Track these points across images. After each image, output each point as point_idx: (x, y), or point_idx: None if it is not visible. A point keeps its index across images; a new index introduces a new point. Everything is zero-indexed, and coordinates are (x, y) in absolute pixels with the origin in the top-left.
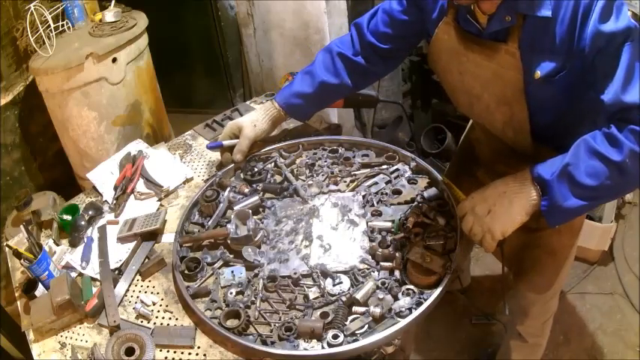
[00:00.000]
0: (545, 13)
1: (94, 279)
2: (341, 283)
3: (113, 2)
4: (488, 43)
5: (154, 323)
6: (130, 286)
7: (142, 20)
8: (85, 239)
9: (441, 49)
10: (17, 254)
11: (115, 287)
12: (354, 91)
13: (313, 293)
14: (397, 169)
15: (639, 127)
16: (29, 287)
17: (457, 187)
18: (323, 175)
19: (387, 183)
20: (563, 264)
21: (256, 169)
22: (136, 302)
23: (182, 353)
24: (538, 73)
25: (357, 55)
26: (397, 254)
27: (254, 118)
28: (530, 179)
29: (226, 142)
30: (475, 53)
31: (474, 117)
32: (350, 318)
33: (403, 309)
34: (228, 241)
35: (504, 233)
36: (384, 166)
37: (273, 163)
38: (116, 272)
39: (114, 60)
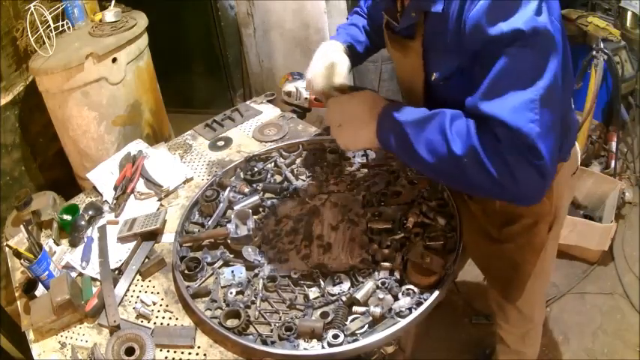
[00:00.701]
0: (436, 9)
1: (94, 279)
2: (341, 283)
3: (113, 2)
4: (401, 40)
5: (154, 323)
6: (130, 286)
7: (142, 20)
8: (85, 239)
9: (387, 43)
10: (17, 254)
11: (115, 287)
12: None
13: (313, 293)
14: (397, 170)
15: (494, 138)
16: (29, 287)
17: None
18: (323, 175)
19: (387, 183)
20: (527, 279)
21: (256, 169)
22: (136, 302)
23: (182, 353)
24: (434, 75)
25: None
26: (397, 254)
27: (335, 53)
28: (377, 116)
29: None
30: (395, 49)
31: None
32: (350, 318)
33: (403, 309)
34: (228, 241)
35: (347, 149)
36: (384, 167)
37: (273, 163)
38: (116, 272)
39: (114, 60)
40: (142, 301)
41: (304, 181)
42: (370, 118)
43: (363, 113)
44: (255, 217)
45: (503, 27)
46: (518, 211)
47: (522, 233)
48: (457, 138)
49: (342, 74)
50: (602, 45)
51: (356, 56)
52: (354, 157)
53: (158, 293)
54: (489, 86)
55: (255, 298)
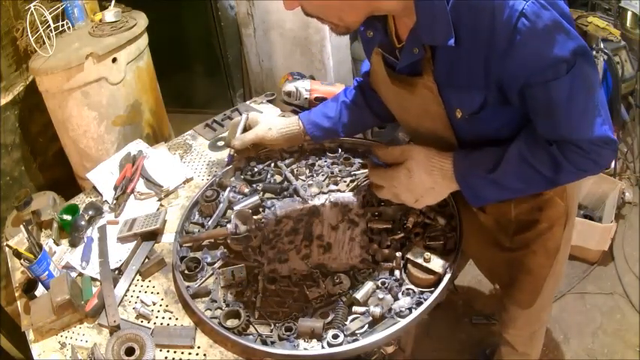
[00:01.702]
0: (449, 43)
1: (94, 279)
2: (341, 283)
3: (113, 2)
4: (406, 78)
5: (154, 323)
6: (130, 286)
7: (142, 20)
8: (85, 239)
9: (376, 81)
10: (17, 254)
11: (115, 287)
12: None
13: (313, 293)
14: None
15: (581, 153)
16: (29, 287)
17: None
18: (323, 175)
19: None
20: (542, 283)
21: (256, 169)
22: (135, 302)
23: (182, 353)
24: (459, 112)
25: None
26: (397, 254)
27: (273, 123)
28: (454, 177)
29: (240, 120)
30: (399, 87)
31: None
32: (350, 318)
33: (403, 309)
34: (228, 241)
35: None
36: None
37: (273, 163)
38: (116, 272)
39: (114, 60)
40: (142, 301)
41: (304, 181)
42: (448, 185)
43: (437, 183)
44: (255, 217)
45: (559, 52)
46: (533, 217)
47: (537, 239)
48: (545, 166)
49: (242, 141)
50: (602, 45)
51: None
52: (354, 157)
53: (158, 293)
54: (565, 115)
55: (255, 298)
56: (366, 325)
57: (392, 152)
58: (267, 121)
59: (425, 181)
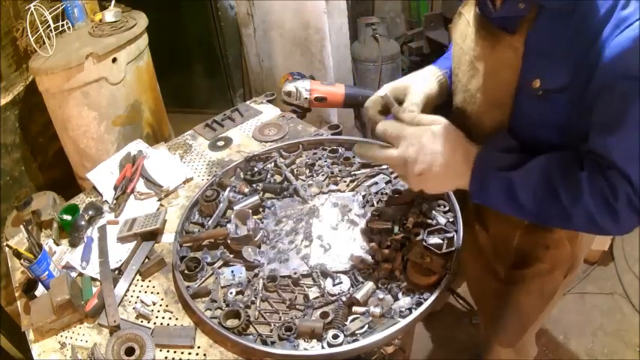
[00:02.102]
0: (559, 4)
1: (94, 279)
2: (341, 283)
3: (113, 2)
4: (494, 30)
5: (154, 323)
6: (130, 286)
7: (142, 20)
8: (85, 239)
9: (456, 31)
10: (17, 254)
11: (115, 287)
12: None
13: (313, 293)
14: None
15: (611, 194)
16: (29, 287)
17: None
18: (323, 175)
19: (387, 183)
20: (529, 325)
21: (256, 169)
22: (136, 302)
23: (182, 353)
24: (537, 82)
25: None
26: (397, 254)
27: (420, 75)
28: (472, 165)
29: (385, 91)
30: (481, 39)
31: (465, 123)
32: (350, 318)
33: (403, 309)
34: (228, 241)
35: (424, 191)
36: (384, 166)
37: (273, 163)
38: (116, 272)
39: (114, 60)
40: (142, 301)
41: (304, 181)
42: (464, 167)
43: (454, 161)
44: (255, 217)
45: None
46: (536, 253)
47: (534, 279)
48: (567, 191)
49: (416, 103)
50: None
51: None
52: (354, 157)
53: (158, 293)
54: (624, 136)
55: (255, 298)
56: (366, 325)
57: (420, 118)
58: (412, 78)
59: (445, 152)
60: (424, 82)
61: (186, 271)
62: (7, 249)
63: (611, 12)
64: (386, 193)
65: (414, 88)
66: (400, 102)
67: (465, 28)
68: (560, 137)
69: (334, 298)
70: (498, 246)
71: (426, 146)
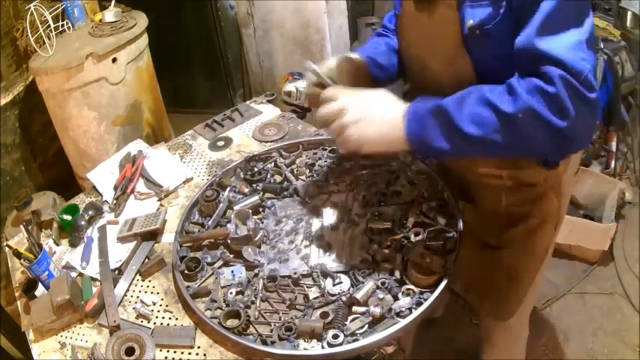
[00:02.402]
0: None
1: (94, 279)
2: (341, 283)
3: (113, 2)
4: (430, 2)
5: (154, 323)
6: (130, 286)
7: (142, 20)
8: (85, 239)
9: (402, 22)
10: (17, 254)
11: (115, 287)
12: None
13: (313, 293)
14: (397, 170)
15: (546, 84)
16: (29, 287)
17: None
18: (323, 175)
19: (387, 183)
20: (526, 290)
21: (256, 169)
22: (135, 302)
23: (182, 353)
24: (470, 22)
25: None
26: (397, 254)
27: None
28: (405, 110)
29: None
30: (421, 13)
31: (425, 92)
32: (350, 318)
33: (403, 309)
34: (228, 241)
35: (358, 149)
36: (384, 166)
37: (273, 163)
38: (116, 272)
39: (114, 60)
40: (142, 301)
41: (304, 181)
42: (398, 115)
43: (389, 109)
44: (255, 217)
45: None
46: (525, 210)
47: (527, 236)
48: (504, 99)
49: (328, 65)
50: (602, 45)
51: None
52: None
53: (158, 293)
54: (543, 24)
55: (255, 298)
56: (366, 325)
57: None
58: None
59: (380, 101)
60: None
61: (186, 271)
62: (7, 249)
63: None
64: (386, 193)
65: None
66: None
67: (409, 10)
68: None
69: (334, 298)
70: (487, 215)
71: (363, 96)
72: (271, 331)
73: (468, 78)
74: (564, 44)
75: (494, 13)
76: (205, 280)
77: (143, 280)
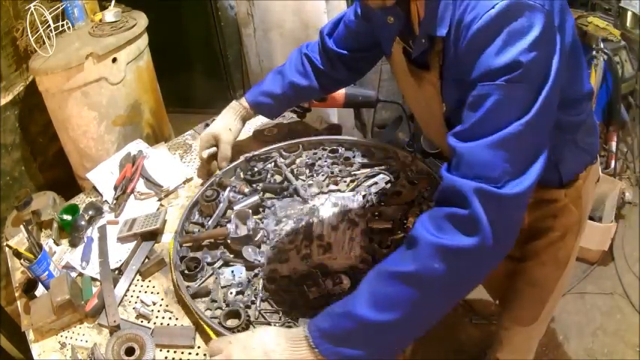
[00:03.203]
0: (440, 32)
1: (94, 279)
2: (341, 283)
3: (113, 2)
4: (416, 71)
5: (154, 323)
6: (130, 286)
7: (142, 20)
8: (85, 239)
9: (396, 71)
10: (17, 254)
11: (115, 287)
12: (323, 94)
13: (313, 293)
14: (397, 169)
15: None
16: (29, 287)
17: None
18: (323, 175)
19: (387, 183)
20: (547, 297)
21: (256, 169)
22: (136, 302)
23: (182, 353)
24: (444, 106)
25: (320, 59)
26: None
27: (226, 122)
28: (307, 343)
29: (205, 153)
30: (411, 77)
31: (435, 141)
32: None
33: None
34: (228, 241)
35: None
36: (384, 166)
37: (273, 163)
38: (116, 272)
39: (114, 60)
40: (142, 301)
41: (304, 181)
42: (295, 344)
43: (281, 344)
44: (255, 217)
45: (500, 57)
46: (546, 224)
47: (548, 248)
48: (403, 259)
49: (226, 157)
50: (602, 45)
51: (268, 109)
52: (354, 157)
53: (158, 293)
54: (469, 139)
55: (255, 298)
56: None
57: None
58: (220, 127)
59: (265, 342)
60: (229, 132)
61: (186, 271)
62: (7, 249)
63: (462, 15)
64: (386, 193)
65: (222, 141)
66: (213, 145)
67: (402, 67)
68: None
69: (334, 298)
70: None
71: (247, 349)
72: None
73: None
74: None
75: (457, 97)
76: (205, 280)
77: (143, 280)
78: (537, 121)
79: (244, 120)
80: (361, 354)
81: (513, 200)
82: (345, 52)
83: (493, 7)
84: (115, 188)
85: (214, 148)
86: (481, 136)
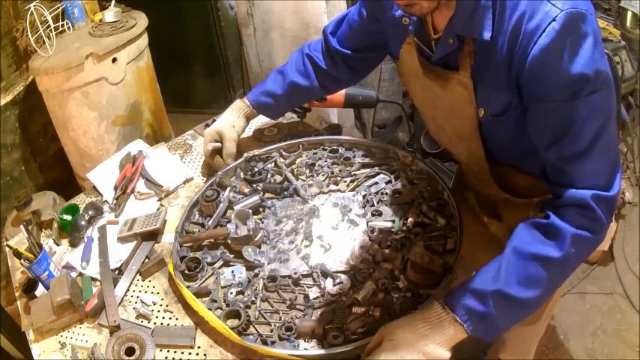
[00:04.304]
0: (485, 36)
1: (94, 279)
2: (341, 283)
3: (113, 2)
4: (440, 71)
5: (154, 323)
6: (130, 286)
7: (142, 20)
8: (85, 239)
9: (405, 72)
10: (17, 254)
11: (115, 287)
12: (324, 94)
13: (313, 293)
14: (397, 169)
15: (586, 211)
16: (29, 287)
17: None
18: (323, 175)
19: (387, 183)
20: (551, 294)
21: (256, 169)
22: (136, 302)
23: (182, 353)
24: (481, 111)
25: (323, 58)
26: (397, 254)
27: (230, 119)
28: (449, 320)
29: (210, 146)
30: (432, 81)
31: (443, 146)
32: (350, 318)
33: (403, 309)
34: (228, 241)
35: None
36: (384, 166)
37: (273, 163)
38: (116, 272)
39: (114, 60)
40: (142, 301)
41: (304, 181)
42: (449, 329)
43: (427, 337)
44: (255, 217)
45: (572, 69)
46: None
47: None
48: (544, 244)
49: (232, 154)
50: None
51: (270, 109)
52: (354, 157)
53: (158, 293)
54: (573, 157)
55: (255, 298)
56: (366, 325)
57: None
58: (224, 124)
59: (409, 338)
60: (232, 129)
61: (186, 271)
62: (7, 249)
63: (520, 24)
64: (386, 193)
65: (226, 138)
66: (217, 141)
67: (413, 68)
68: (527, 148)
69: (334, 298)
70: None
71: (397, 347)
72: (271, 331)
73: (479, 155)
74: (597, 174)
75: (507, 104)
76: (205, 280)
77: (143, 280)
78: (615, 120)
79: (248, 118)
80: (503, 328)
81: (616, 197)
82: (349, 51)
83: (554, 20)
84: (115, 188)
85: (219, 143)
86: (583, 152)
